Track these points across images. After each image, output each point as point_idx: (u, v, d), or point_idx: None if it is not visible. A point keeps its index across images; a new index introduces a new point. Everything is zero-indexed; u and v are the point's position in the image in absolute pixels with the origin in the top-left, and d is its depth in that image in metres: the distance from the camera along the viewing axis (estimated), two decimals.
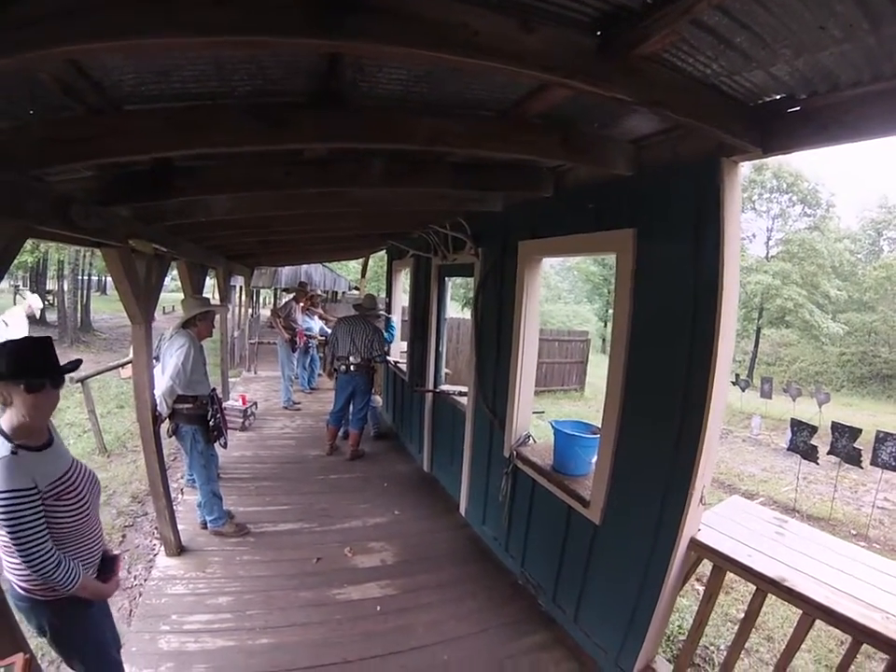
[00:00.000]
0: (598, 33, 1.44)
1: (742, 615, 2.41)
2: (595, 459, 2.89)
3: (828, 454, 6.93)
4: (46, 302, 19.59)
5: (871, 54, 1.43)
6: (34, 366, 1.82)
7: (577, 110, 2.10)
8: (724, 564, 2.30)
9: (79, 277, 17.33)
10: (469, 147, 2.19)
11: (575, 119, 2.22)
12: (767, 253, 29.36)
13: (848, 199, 46.03)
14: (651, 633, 2.44)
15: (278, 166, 2.58)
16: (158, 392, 3.64)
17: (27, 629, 1.98)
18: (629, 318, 2.58)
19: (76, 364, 2.08)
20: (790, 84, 1.70)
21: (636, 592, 2.49)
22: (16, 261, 18.20)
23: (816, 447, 6.87)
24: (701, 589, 3.14)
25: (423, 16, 1.23)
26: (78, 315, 16.95)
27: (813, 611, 2.01)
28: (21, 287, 24.91)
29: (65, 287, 16.54)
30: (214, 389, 4.06)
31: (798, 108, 1.81)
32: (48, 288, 20.32)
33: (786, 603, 2.29)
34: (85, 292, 18.35)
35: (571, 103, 1.95)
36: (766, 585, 2.15)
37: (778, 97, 1.81)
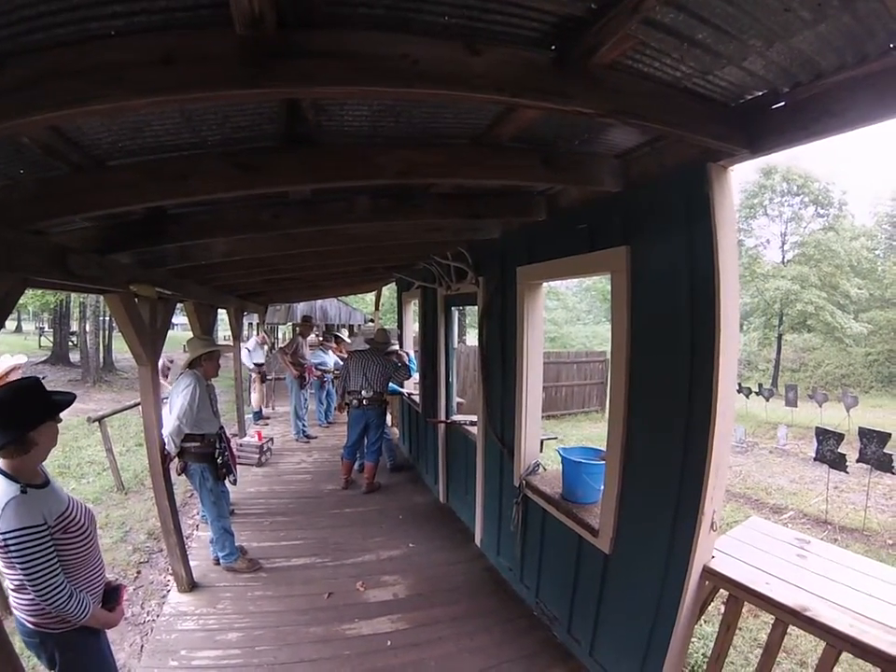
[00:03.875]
0: (553, 46, 1.40)
1: None
2: (603, 487, 2.82)
3: (857, 461, 6.70)
4: (70, 343, 20.17)
5: (850, 33, 1.33)
6: (55, 402, 1.95)
7: (552, 129, 2.08)
8: (740, 593, 2.19)
9: (101, 318, 17.73)
10: (445, 176, 2.19)
11: (553, 138, 2.19)
12: (783, 258, 28.80)
13: (861, 194, 45.38)
14: (669, 666, 2.33)
15: (266, 209, 2.63)
16: (166, 431, 3.67)
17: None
18: (628, 340, 2.53)
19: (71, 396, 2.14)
20: (768, 78, 1.62)
21: (650, 623, 2.40)
22: (39, 303, 18.80)
23: (844, 455, 6.65)
24: None
25: (360, 52, 1.24)
26: (101, 355, 17.31)
27: (838, 642, 1.89)
28: (45, 329, 25.69)
29: (87, 328, 16.92)
30: (222, 427, 4.08)
31: (783, 103, 1.74)
32: (72, 329, 20.84)
33: None
34: (107, 333, 18.75)
35: (544, 122, 1.93)
36: (786, 615, 2.04)
37: (760, 93, 1.73)
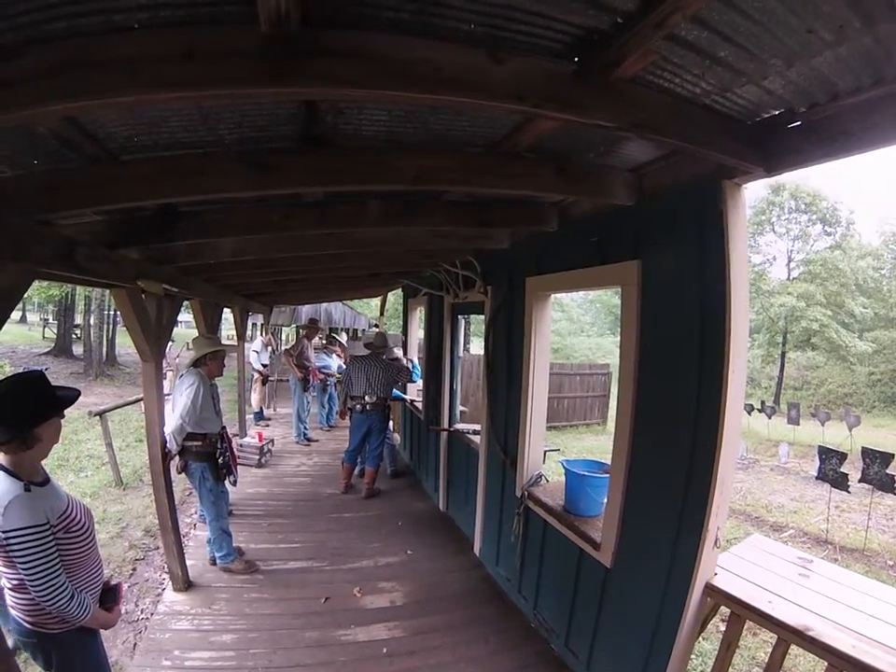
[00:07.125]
0: (576, 58, 1.40)
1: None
2: (606, 500, 2.80)
3: (859, 481, 6.66)
4: (73, 336, 20.22)
5: (869, 56, 1.34)
6: (60, 397, 1.92)
7: (569, 140, 2.07)
8: (742, 611, 2.17)
9: (105, 312, 17.78)
10: (459, 184, 2.18)
11: (568, 149, 2.18)
12: (789, 275, 28.81)
13: (868, 214, 45.61)
14: None
15: (277, 209, 2.63)
16: (168, 429, 3.67)
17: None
18: (636, 353, 2.52)
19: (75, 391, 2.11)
20: (786, 97, 1.62)
21: (649, 639, 2.37)
22: (45, 295, 18.84)
23: (846, 475, 6.60)
24: None
25: (383, 56, 1.23)
26: (104, 349, 17.34)
27: (839, 663, 1.87)
28: (49, 321, 25.78)
29: (91, 322, 16.95)
30: (224, 427, 4.07)
31: (799, 123, 1.73)
32: (76, 322, 20.89)
33: None
34: (111, 327, 18.79)
35: (562, 133, 1.93)
36: (788, 634, 2.01)
37: (777, 112, 1.73)
